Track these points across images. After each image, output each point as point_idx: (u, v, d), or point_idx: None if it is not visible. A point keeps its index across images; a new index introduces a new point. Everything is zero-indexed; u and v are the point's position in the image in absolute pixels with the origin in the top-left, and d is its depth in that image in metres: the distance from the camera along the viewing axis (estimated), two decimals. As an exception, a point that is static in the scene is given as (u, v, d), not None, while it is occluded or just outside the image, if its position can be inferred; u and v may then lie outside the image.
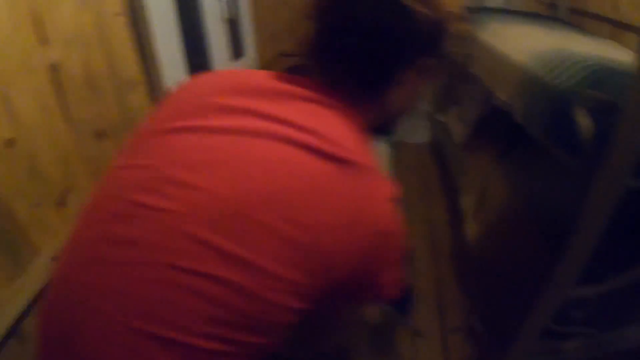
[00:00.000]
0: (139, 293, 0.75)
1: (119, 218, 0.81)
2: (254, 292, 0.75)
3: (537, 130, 1.43)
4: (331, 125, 0.85)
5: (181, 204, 0.77)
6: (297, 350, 1.22)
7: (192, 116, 0.89)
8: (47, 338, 0.82)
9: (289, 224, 0.74)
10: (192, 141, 0.84)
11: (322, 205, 0.77)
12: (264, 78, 0.93)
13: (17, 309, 1.38)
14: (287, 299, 0.79)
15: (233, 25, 3.38)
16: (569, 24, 2.68)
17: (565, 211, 1.25)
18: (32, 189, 1.46)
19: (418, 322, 2.30)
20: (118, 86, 1.99)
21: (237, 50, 3.48)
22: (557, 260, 1.29)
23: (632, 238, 1.81)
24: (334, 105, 0.88)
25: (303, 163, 0.78)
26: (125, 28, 2.05)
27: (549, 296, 1.37)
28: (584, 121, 1.17)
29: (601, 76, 1.31)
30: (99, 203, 0.88)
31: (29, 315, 1.43)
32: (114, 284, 0.76)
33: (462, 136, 2.78)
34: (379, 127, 1.10)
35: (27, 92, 1.43)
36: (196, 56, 2.76)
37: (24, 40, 1.43)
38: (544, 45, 1.85)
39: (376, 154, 2.23)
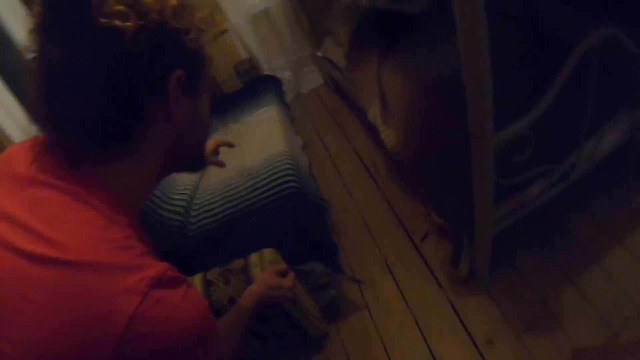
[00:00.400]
0: None
1: None
2: None
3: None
4: (63, 220, 0.69)
5: None
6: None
7: None
8: None
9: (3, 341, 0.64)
10: None
11: (38, 314, 0.64)
12: (21, 156, 0.77)
13: None
14: None
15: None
16: None
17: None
18: None
19: (387, 249, 2.28)
20: None
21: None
22: (468, 112, 1.24)
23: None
24: (82, 184, 0.72)
25: (19, 270, 0.66)
26: None
27: (478, 149, 1.31)
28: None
29: None
30: None
31: None
32: None
33: (342, 59, 2.73)
34: (186, 165, 0.94)
35: None
36: None
37: None
38: None
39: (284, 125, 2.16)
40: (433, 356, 1.83)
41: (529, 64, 1.90)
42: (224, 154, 2.28)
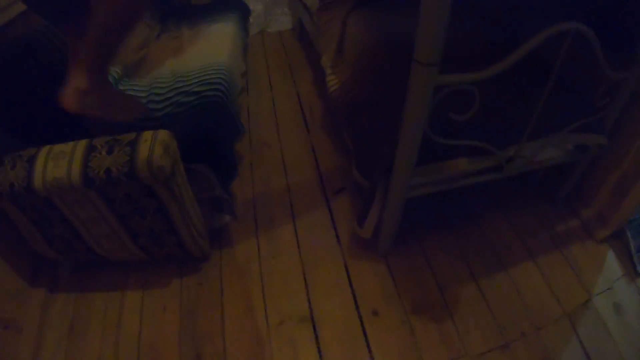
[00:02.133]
0: None
1: None
2: None
3: None
4: None
5: None
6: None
7: None
8: None
9: None
10: None
11: None
12: None
13: None
14: None
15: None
16: None
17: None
18: None
19: (297, 192, 2.18)
20: None
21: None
22: (417, 35, 1.15)
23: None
24: None
25: None
26: None
27: (417, 78, 1.20)
28: None
29: None
30: None
31: None
32: None
33: (316, 3, 2.68)
34: None
35: None
36: None
37: None
38: None
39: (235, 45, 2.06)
40: (311, 311, 1.72)
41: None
42: (163, 53, 2.17)
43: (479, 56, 1.78)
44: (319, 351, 1.61)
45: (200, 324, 1.68)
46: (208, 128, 1.70)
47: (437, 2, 1.03)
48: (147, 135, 1.36)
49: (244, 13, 2.87)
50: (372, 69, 1.81)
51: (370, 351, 1.61)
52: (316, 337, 1.64)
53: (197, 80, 1.90)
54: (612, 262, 1.93)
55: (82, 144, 1.40)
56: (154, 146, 1.33)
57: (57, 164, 1.35)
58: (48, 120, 1.56)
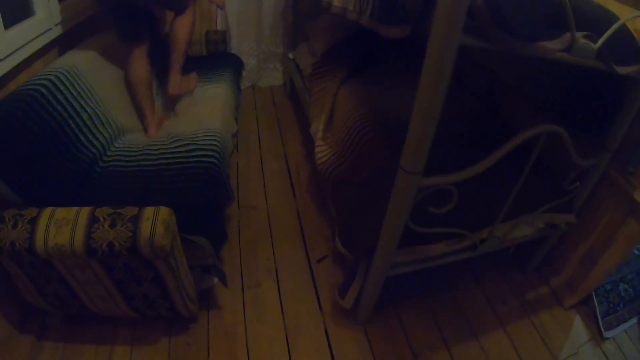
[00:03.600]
0: None
1: None
2: None
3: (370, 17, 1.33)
4: None
5: None
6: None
7: None
8: None
9: None
10: None
11: None
12: None
13: None
14: None
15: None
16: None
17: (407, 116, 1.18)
18: None
19: (282, 257, 2.26)
20: None
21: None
22: (405, 146, 1.24)
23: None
24: None
25: None
26: None
27: (402, 184, 1.31)
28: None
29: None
30: None
31: None
32: None
33: (309, 67, 2.79)
34: None
35: None
36: None
37: None
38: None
39: (228, 107, 2.16)
40: (292, 375, 1.79)
41: (477, 131, 2.00)
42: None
43: (461, 136, 1.92)
44: (300, 418, 1.68)
45: (187, 384, 1.74)
46: (201, 196, 1.77)
47: (424, 122, 1.13)
48: (149, 212, 1.45)
49: (237, 68, 2.97)
50: (360, 148, 1.90)
51: (347, 419, 1.69)
52: (297, 404, 1.71)
53: (191, 143, 1.99)
54: (579, 328, 2.05)
55: (85, 213, 1.45)
56: (156, 225, 1.41)
57: (60, 230, 1.41)
58: (49, 179, 1.63)
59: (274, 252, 2.29)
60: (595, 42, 1.18)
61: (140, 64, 2.18)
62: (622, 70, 1.25)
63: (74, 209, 1.48)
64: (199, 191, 1.78)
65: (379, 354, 1.87)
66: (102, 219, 1.44)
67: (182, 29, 2.19)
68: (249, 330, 1.93)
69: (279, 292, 2.09)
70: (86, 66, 1.98)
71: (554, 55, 1.13)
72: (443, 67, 1.00)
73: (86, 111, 1.91)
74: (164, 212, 1.46)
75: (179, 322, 1.93)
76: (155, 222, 1.42)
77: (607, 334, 2.04)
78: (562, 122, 1.48)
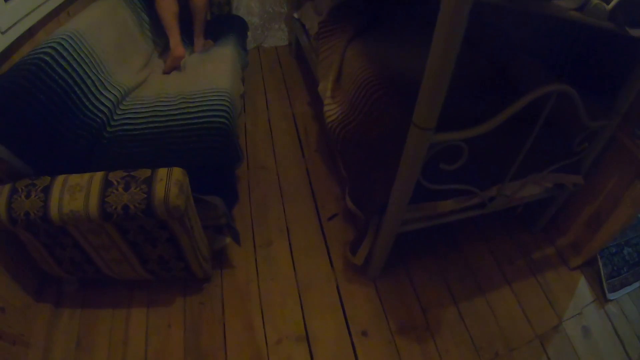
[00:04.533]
0: None
1: None
2: None
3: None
4: None
5: None
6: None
7: None
8: None
9: None
10: None
11: None
12: None
13: None
14: None
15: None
16: None
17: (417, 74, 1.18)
18: None
19: (292, 216, 2.28)
20: None
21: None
22: (418, 102, 1.24)
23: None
24: None
25: None
26: None
27: (414, 139, 1.32)
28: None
29: None
30: None
31: None
32: None
33: (316, 26, 2.75)
34: None
35: None
36: None
37: None
38: None
39: (235, 67, 2.15)
40: (306, 330, 1.84)
41: (486, 90, 1.98)
42: (169, 76, 2.26)
43: (471, 94, 1.91)
44: (314, 369, 1.74)
45: (203, 341, 1.80)
46: (212, 156, 1.78)
47: (438, 77, 1.13)
48: (162, 173, 1.46)
49: (242, 29, 2.95)
50: (370, 106, 1.89)
51: (359, 370, 1.74)
52: (311, 356, 1.77)
53: (201, 104, 1.98)
54: (583, 289, 2.08)
55: (98, 177, 1.48)
56: (170, 186, 1.43)
57: (74, 196, 1.43)
58: (59, 148, 1.64)
59: (284, 211, 2.32)
60: (608, 2, 1.16)
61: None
62: (634, 32, 1.23)
63: (87, 174, 1.50)
64: (210, 152, 1.78)
65: (389, 309, 1.92)
66: (115, 182, 1.46)
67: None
68: (261, 287, 1.97)
69: (291, 250, 2.13)
70: (87, 31, 1.94)
71: (567, 14, 1.12)
72: (457, 22, 1.00)
73: (89, 77, 1.89)
74: (177, 172, 1.48)
75: (193, 282, 1.97)
76: (169, 182, 1.44)
77: (610, 296, 2.07)
78: (572, 85, 1.47)
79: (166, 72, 2.40)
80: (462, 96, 1.87)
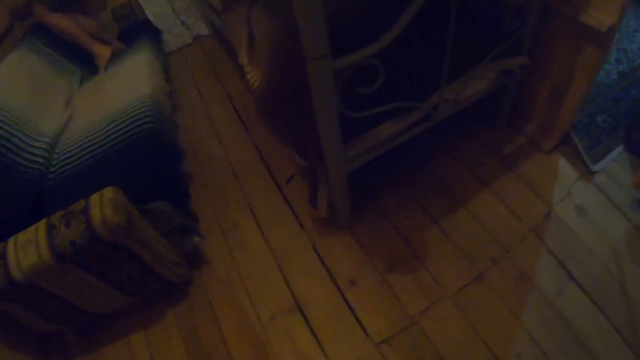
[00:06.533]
0: None
1: None
2: None
3: None
4: None
5: None
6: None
7: None
8: None
9: None
10: None
11: None
12: None
13: None
14: None
15: None
16: None
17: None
18: None
19: (251, 193, 2.26)
20: None
21: None
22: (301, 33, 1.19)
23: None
24: None
25: None
26: None
27: (314, 73, 1.27)
28: None
29: None
30: None
31: None
32: None
33: (218, 2, 2.69)
34: None
35: None
36: None
37: None
38: None
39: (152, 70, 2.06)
40: (295, 299, 1.84)
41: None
42: (88, 103, 2.22)
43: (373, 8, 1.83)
44: (313, 333, 1.74)
45: (203, 341, 1.80)
46: (148, 163, 1.76)
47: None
48: (95, 198, 1.44)
49: (153, 34, 2.91)
50: (282, 62, 1.86)
51: (357, 319, 1.75)
52: (307, 322, 1.77)
53: (126, 118, 1.96)
54: (565, 169, 2.05)
55: (42, 226, 1.47)
56: (104, 207, 1.41)
57: (27, 251, 1.42)
58: (6, 211, 1.68)
59: (242, 190, 2.29)
60: None
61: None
62: None
63: (32, 227, 1.49)
64: (143, 157, 1.77)
65: (371, 251, 1.91)
66: (57, 224, 1.46)
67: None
68: (241, 272, 1.97)
69: (259, 226, 2.11)
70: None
71: None
72: None
73: (15, 135, 1.89)
74: (108, 192, 1.47)
75: (176, 290, 1.96)
76: (102, 204, 1.43)
77: (594, 168, 2.03)
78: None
79: (106, 69, 2.53)
80: (364, 16, 1.82)
